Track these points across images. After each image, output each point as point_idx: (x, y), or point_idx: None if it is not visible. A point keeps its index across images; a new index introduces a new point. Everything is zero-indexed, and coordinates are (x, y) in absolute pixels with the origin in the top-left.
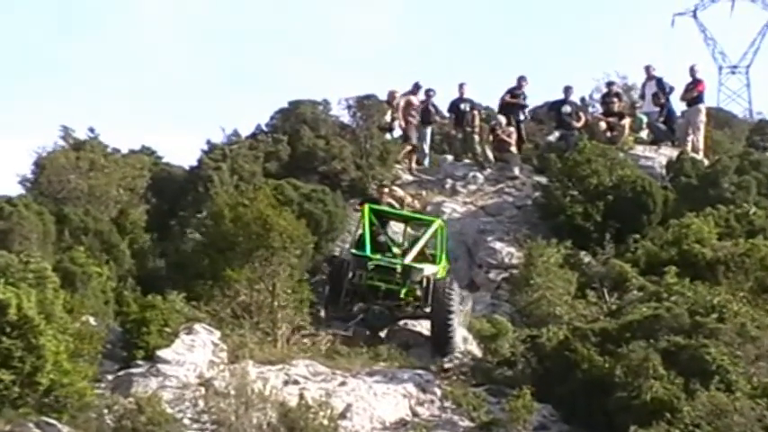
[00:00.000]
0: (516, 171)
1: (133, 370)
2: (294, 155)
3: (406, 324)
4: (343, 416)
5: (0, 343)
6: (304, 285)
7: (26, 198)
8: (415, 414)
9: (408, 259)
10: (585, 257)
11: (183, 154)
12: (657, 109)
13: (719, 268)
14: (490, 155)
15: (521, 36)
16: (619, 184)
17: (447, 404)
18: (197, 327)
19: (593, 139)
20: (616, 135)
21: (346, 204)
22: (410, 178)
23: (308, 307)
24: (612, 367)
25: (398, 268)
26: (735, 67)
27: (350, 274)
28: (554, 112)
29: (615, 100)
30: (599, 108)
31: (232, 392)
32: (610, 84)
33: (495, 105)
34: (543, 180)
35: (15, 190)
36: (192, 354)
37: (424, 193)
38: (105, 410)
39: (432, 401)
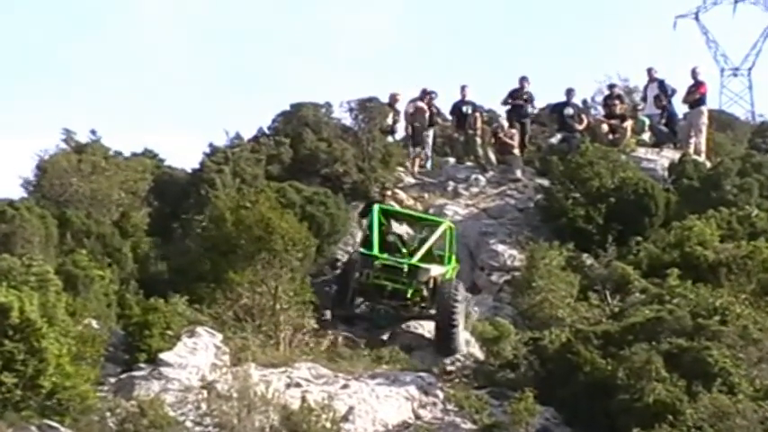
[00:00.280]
0: (518, 173)
1: (135, 373)
2: (296, 157)
3: (408, 326)
4: (345, 419)
5: (2, 346)
6: (306, 288)
7: (28, 201)
8: (417, 417)
9: (415, 259)
10: (588, 260)
11: (183, 153)
12: (659, 111)
13: (722, 270)
14: (492, 157)
15: (522, 38)
16: (621, 187)
17: (449, 407)
18: (199, 330)
19: (595, 141)
20: (618, 137)
21: (348, 207)
22: (412, 181)
23: (311, 311)
24: (615, 370)
25: (405, 268)
26: (737, 69)
27: (356, 273)
28: (556, 114)
29: (617, 102)
30: (601, 110)
31: (234, 395)
32: (612, 86)
33: (497, 107)
34: (545, 182)
35: (17, 193)
36: (195, 357)
37: (426, 195)
38: (108, 413)
39: (434, 404)
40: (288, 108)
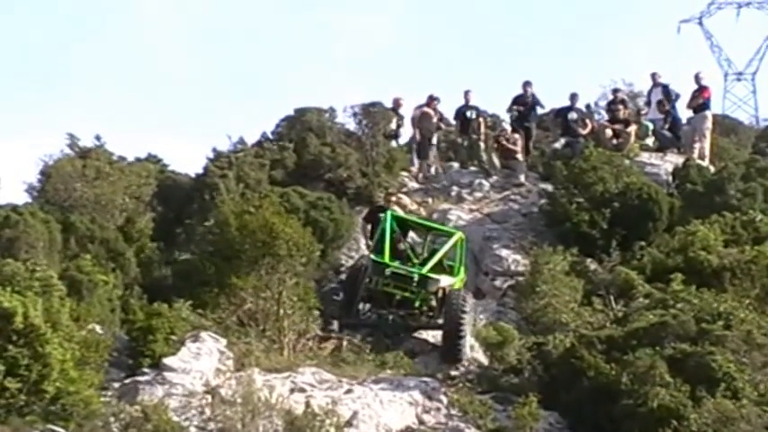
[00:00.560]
0: (522, 178)
1: (139, 378)
2: (300, 162)
3: (414, 333)
4: (349, 423)
5: (6, 351)
6: (310, 293)
7: (32, 206)
8: (421, 422)
9: (426, 269)
10: (591, 265)
11: (187, 158)
12: (663, 116)
13: (726, 275)
14: (496, 162)
15: (524, 41)
16: (625, 192)
17: (453, 412)
18: (203, 335)
19: (599, 146)
20: (622, 142)
21: (352, 212)
22: (416, 186)
23: (316, 316)
24: (619, 375)
25: (415, 277)
26: (740, 73)
27: (366, 279)
28: (560, 119)
29: (621, 107)
30: (605, 115)
31: (238, 400)
32: (615, 91)
33: (500, 112)
34: (549, 187)
35: (21, 198)
36: (199, 362)
37: (430, 200)
38: (111, 418)
39: (438, 409)
40: (291, 113)
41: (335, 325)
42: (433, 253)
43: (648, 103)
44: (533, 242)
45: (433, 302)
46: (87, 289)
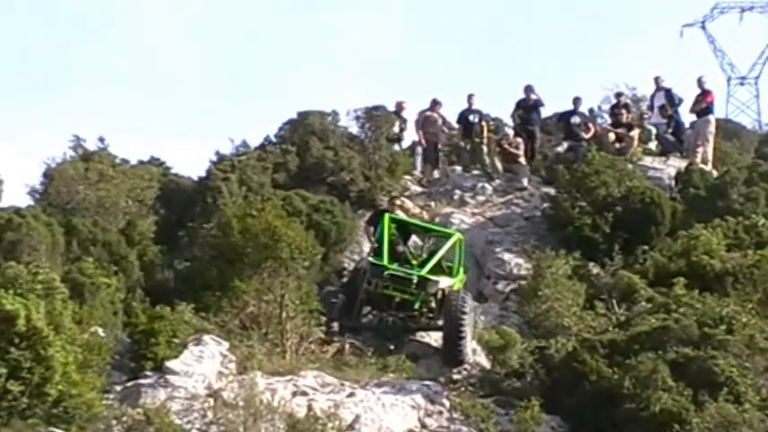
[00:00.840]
0: (525, 182)
1: (142, 381)
2: (303, 166)
3: (414, 335)
4: (351, 427)
5: (9, 354)
6: (312, 296)
7: (35, 209)
8: (423, 425)
9: (425, 271)
10: (594, 269)
11: (188, 157)
12: (666, 120)
13: (728, 280)
14: (499, 166)
15: (527, 45)
16: (627, 196)
17: (455, 415)
18: (205, 338)
19: (602, 150)
20: (624, 146)
21: (355, 215)
22: (418, 189)
23: (317, 320)
24: (621, 379)
25: (414, 279)
26: (743, 78)
27: (365, 283)
28: (563, 122)
29: (624, 111)
30: (608, 119)
31: (240, 404)
32: (618, 95)
33: (503, 116)
34: (552, 191)
35: (24, 201)
36: (201, 365)
37: (432, 203)
38: (114, 421)
39: (440, 413)
40: (294, 116)
41: (335, 326)
42: (431, 254)
43: (651, 108)
44: (536, 246)
45: (433, 304)
46: (90, 292)
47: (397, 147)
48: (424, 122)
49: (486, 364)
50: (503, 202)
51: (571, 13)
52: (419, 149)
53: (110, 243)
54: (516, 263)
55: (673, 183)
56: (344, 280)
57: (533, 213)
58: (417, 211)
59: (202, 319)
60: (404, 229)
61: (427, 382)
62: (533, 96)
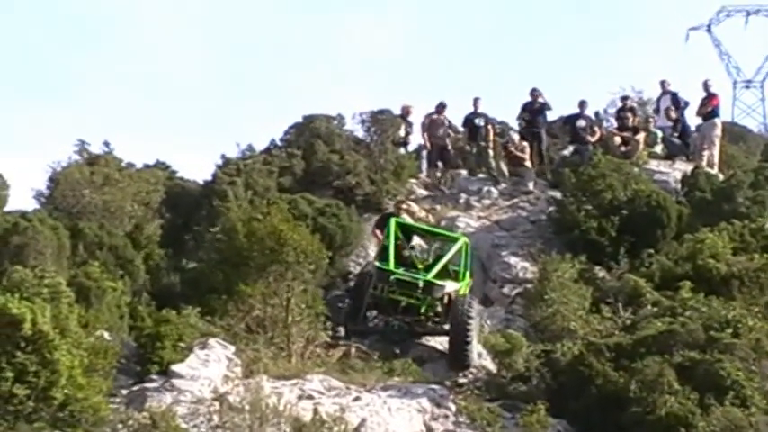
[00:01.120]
0: (530, 186)
1: (147, 385)
2: (308, 169)
3: (420, 339)
4: (357, 431)
5: (15, 357)
6: (318, 300)
7: (41, 213)
8: (429, 429)
9: (431, 275)
10: (600, 272)
11: (194, 161)
12: (672, 124)
13: (734, 283)
14: (505, 169)
15: (534, 49)
16: (633, 199)
17: (461, 419)
18: (211, 341)
19: (608, 153)
20: (630, 150)
21: (360, 219)
22: (424, 193)
23: (324, 324)
24: (627, 382)
25: (420, 283)
26: (749, 81)
27: (371, 287)
28: (569, 126)
29: (630, 114)
30: (613, 122)
31: (246, 407)
32: (624, 98)
33: (509, 119)
34: (557, 195)
35: (30, 205)
36: (207, 368)
37: (438, 207)
38: (120, 425)
39: (446, 416)
40: (300, 120)
41: (341, 330)
42: (437, 259)
43: (657, 111)
44: (541, 250)
45: (439, 308)
46: (96, 295)
47: (402, 150)
48: (430, 125)
49: (492, 367)
50: (508, 205)
51: (574, 15)
52: (425, 153)
53: (116, 247)
54: (522, 266)
55: (679, 186)
56: (350, 284)
57: (539, 217)
58: (423, 214)
59: (208, 323)
60: (408, 234)
61: (433, 386)
62: (540, 100)
